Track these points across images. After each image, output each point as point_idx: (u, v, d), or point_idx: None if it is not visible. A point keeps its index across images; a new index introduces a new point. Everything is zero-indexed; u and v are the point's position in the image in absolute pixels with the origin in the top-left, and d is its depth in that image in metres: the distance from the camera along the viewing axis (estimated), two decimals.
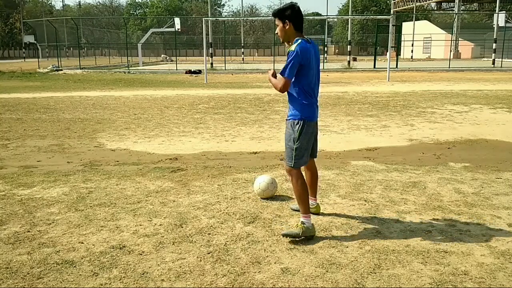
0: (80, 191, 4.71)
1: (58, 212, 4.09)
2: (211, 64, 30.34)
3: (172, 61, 39.44)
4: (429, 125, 8.62)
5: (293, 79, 3.50)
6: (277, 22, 3.58)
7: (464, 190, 4.67)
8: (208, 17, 31.33)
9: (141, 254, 3.26)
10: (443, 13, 60.18)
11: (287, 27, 3.53)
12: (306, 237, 3.48)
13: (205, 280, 2.90)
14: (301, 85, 3.54)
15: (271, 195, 4.44)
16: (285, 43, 3.63)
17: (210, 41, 31.95)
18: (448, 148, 6.75)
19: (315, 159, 3.95)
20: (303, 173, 3.78)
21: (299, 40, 3.49)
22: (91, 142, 7.31)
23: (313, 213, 3.88)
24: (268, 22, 61.12)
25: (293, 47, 3.45)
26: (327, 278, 2.91)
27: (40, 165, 5.81)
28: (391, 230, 3.67)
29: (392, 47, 23.38)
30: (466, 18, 65.19)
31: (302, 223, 3.52)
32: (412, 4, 52.45)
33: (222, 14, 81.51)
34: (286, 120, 3.69)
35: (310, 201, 3.82)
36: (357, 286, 2.81)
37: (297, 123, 3.58)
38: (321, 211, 4.05)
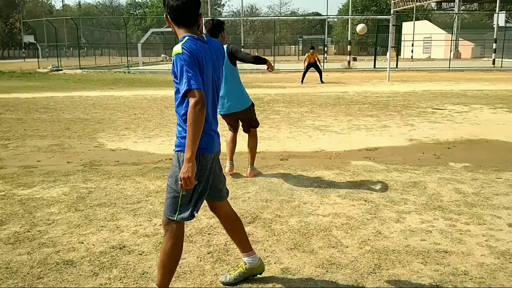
0: (80, 191, 4.71)
1: (58, 212, 4.09)
2: None
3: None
4: (429, 125, 8.62)
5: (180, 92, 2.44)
6: None
7: (464, 190, 4.67)
8: (208, 17, 31.35)
9: (141, 254, 3.26)
10: (443, 13, 60.17)
11: (168, 23, 2.58)
12: None
13: (205, 280, 2.90)
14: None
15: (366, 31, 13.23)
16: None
17: None
18: (448, 148, 6.75)
19: (227, 200, 2.92)
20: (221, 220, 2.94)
21: (186, 37, 2.48)
22: (91, 142, 7.31)
23: (256, 274, 2.91)
24: (268, 22, 61.14)
25: (177, 48, 2.43)
26: (327, 278, 2.91)
27: (40, 165, 5.81)
28: (391, 230, 3.67)
29: (392, 47, 23.38)
30: (466, 18, 65.15)
31: None
32: (412, 4, 52.42)
33: (222, 14, 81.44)
34: (174, 151, 2.60)
35: (247, 258, 2.88)
36: (357, 286, 2.81)
37: None
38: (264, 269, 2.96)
